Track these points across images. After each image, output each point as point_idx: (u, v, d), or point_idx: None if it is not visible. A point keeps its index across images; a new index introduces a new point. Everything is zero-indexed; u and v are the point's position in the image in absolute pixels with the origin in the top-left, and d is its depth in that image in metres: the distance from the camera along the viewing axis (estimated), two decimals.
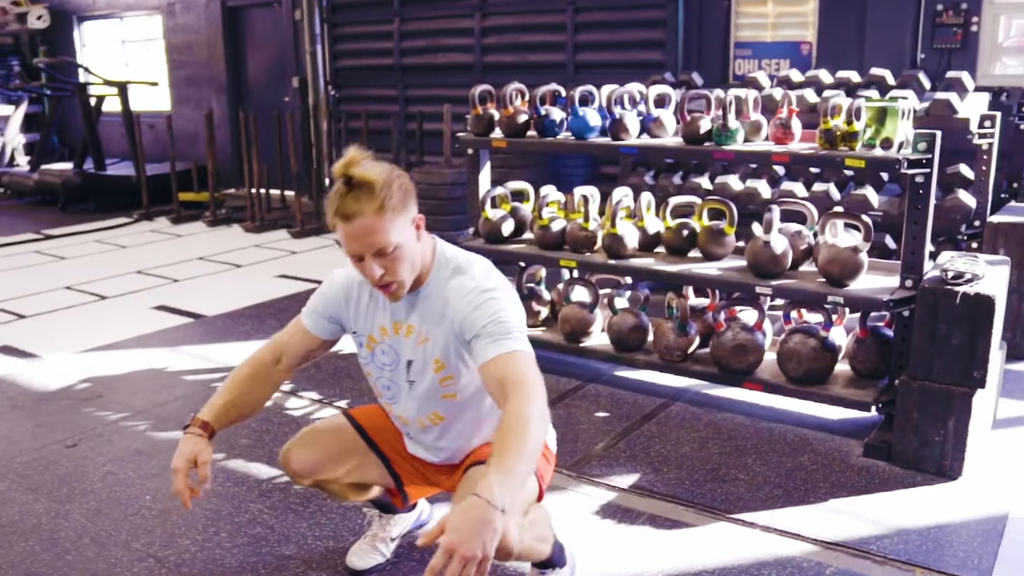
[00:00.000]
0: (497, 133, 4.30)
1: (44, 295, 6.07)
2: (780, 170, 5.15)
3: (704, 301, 4.06)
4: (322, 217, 8.15)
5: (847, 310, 3.78)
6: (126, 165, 10.24)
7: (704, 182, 5.29)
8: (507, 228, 4.38)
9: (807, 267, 3.70)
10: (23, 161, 11.16)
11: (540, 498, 2.30)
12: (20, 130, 11.47)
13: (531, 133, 4.28)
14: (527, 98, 4.26)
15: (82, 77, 10.26)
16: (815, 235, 3.65)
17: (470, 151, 4.49)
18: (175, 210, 8.92)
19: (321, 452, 2.48)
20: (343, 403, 4.01)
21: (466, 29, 8.22)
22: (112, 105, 10.09)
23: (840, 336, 3.74)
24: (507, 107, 4.22)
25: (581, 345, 4.19)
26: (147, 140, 9.93)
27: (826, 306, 3.55)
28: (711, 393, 4.00)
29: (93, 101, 10.11)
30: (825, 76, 5.22)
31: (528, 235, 4.39)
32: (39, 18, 11.79)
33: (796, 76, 5.25)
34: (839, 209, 3.68)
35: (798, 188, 4.94)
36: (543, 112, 4.16)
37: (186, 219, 8.89)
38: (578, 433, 3.66)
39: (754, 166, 5.17)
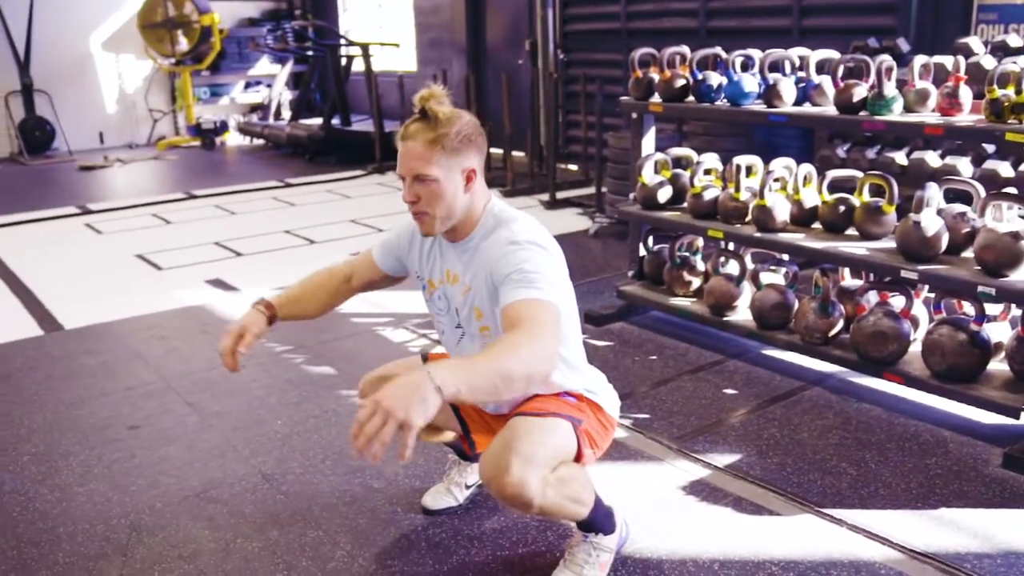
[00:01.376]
0: (656, 98, 4.21)
1: (264, 237, 6.70)
2: (990, 147, 4.64)
3: (859, 283, 3.78)
4: (535, 178, 8.33)
5: (1013, 305, 3.39)
6: (370, 122, 10.95)
7: (900, 157, 4.87)
8: (663, 195, 4.30)
9: (968, 254, 3.34)
10: (287, 116, 12.27)
11: (580, 458, 2.30)
12: (287, 87, 12.61)
13: (690, 99, 4.16)
14: (687, 62, 4.14)
15: (332, 40, 11.06)
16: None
17: (634, 115, 4.43)
18: None
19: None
20: None
21: (690, 10, 7.95)
22: (362, 66, 10.82)
23: (1002, 333, 3.37)
24: (665, 71, 4.12)
25: (725, 319, 4.05)
26: (392, 99, 10.53)
27: (979, 297, 3.19)
28: (855, 381, 3.73)
29: (344, 61, 10.90)
30: None
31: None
32: None
33: (1015, 41, 4.67)
34: (1007, 191, 3.28)
35: (965, 165, 4.44)
36: (700, 77, 4.02)
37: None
38: (696, 407, 3.57)
39: (959, 142, 4.69)
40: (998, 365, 3.33)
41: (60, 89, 11.40)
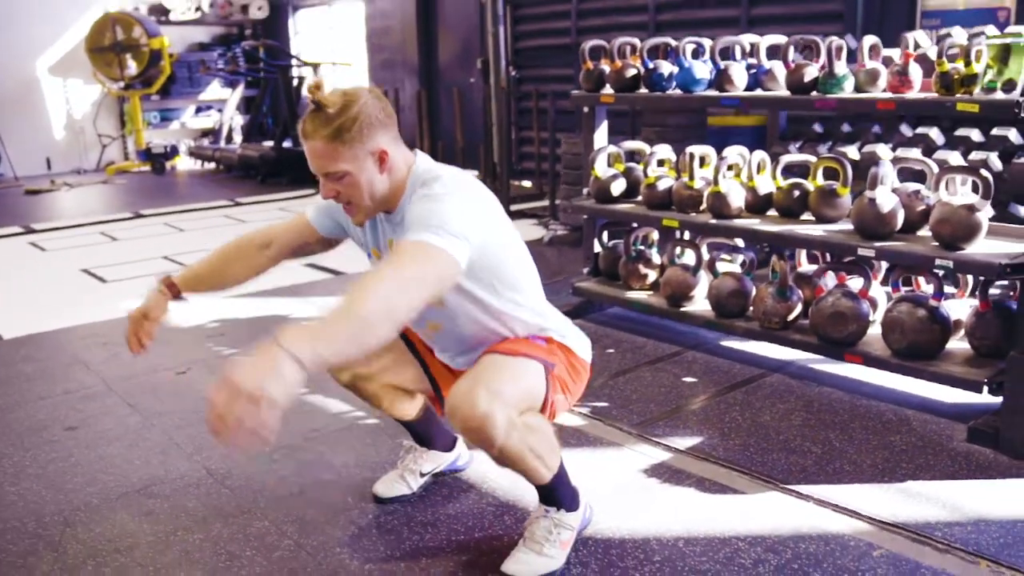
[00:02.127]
0: (608, 89, 4.18)
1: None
2: (939, 139, 4.66)
3: (815, 268, 3.75)
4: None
5: (970, 280, 3.37)
6: None
7: (852, 152, 4.87)
8: (617, 187, 4.26)
9: (924, 232, 3.32)
10: (239, 140, 12.12)
11: (549, 406, 2.23)
12: (238, 111, 12.48)
13: (642, 90, 4.12)
14: (637, 52, 4.11)
15: (284, 60, 10.98)
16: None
17: (585, 109, 4.39)
18: None
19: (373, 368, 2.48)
20: None
21: (640, 6, 7.97)
22: None
23: (961, 310, 3.34)
24: (615, 61, 4.09)
25: (682, 309, 4.00)
26: None
27: (936, 272, 3.17)
28: (815, 368, 3.69)
29: (295, 82, 10.81)
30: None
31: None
32: (259, 8, 12.74)
33: (960, 35, 4.70)
34: (956, 164, 3.27)
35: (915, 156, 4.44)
36: (651, 66, 4.00)
37: None
38: (655, 395, 3.49)
39: (909, 135, 4.72)
40: (958, 344, 3.31)
41: (5, 114, 11.16)
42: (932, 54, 3.52)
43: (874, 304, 3.49)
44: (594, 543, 2.45)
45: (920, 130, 4.69)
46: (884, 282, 3.60)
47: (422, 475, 2.77)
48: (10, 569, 2.39)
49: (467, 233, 1.94)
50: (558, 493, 2.34)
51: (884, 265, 3.60)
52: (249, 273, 2.44)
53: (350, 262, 5.97)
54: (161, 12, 12.10)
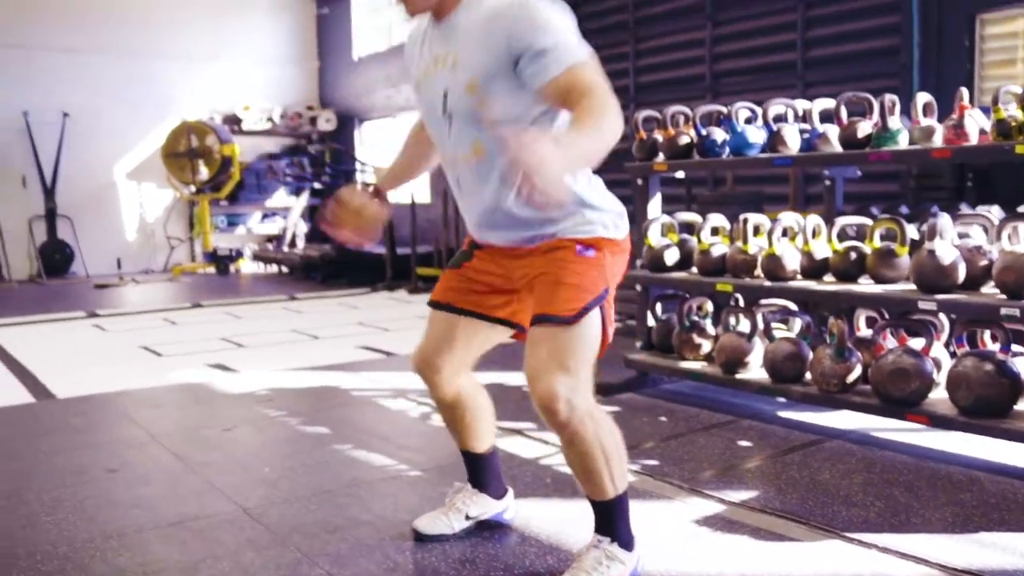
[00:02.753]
0: (660, 158, 4.20)
1: (270, 334, 6.62)
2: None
3: (875, 327, 3.63)
4: None
5: None
6: (381, 246, 11.06)
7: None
8: (670, 257, 4.22)
9: (988, 288, 3.21)
10: (302, 245, 12.43)
11: (604, 340, 2.19)
12: (302, 218, 12.85)
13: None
14: (690, 121, 4.15)
15: (349, 164, 11.34)
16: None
17: (639, 181, 4.41)
18: (413, 282, 9.48)
19: (433, 340, 2.44)
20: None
21: (697, 76, 7.96)
22: None
23: None
24: (668, 129, 4.13)
25: (737, 377, 3.88)
26: (405, 229, 10.61)
27: (1002, 323, 3.04)
28: (875, 435, 3.52)
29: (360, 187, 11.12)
30: None
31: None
32: (327, 121, 13.29)
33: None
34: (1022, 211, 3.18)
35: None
36: (704, 133, 4.02)
37: (423, 291, 9.36)
38: (708, 456, 3.36)
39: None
40: None
41: (82, 215, 11.66)
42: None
43: (938, 364, 3.34)
44: None
45: (981, 208, 4.60)
46: (948, 343, 3.46)
47: (467, 518, 2.65)
48: None
49: (574, 24, 2.04)
50: (616, 521, 2.23)
51: (947, 325, 3.46)
52: (428, 157, 2.56)
53: (402, 345, 5.98)
54: (234, 121, 12.67)
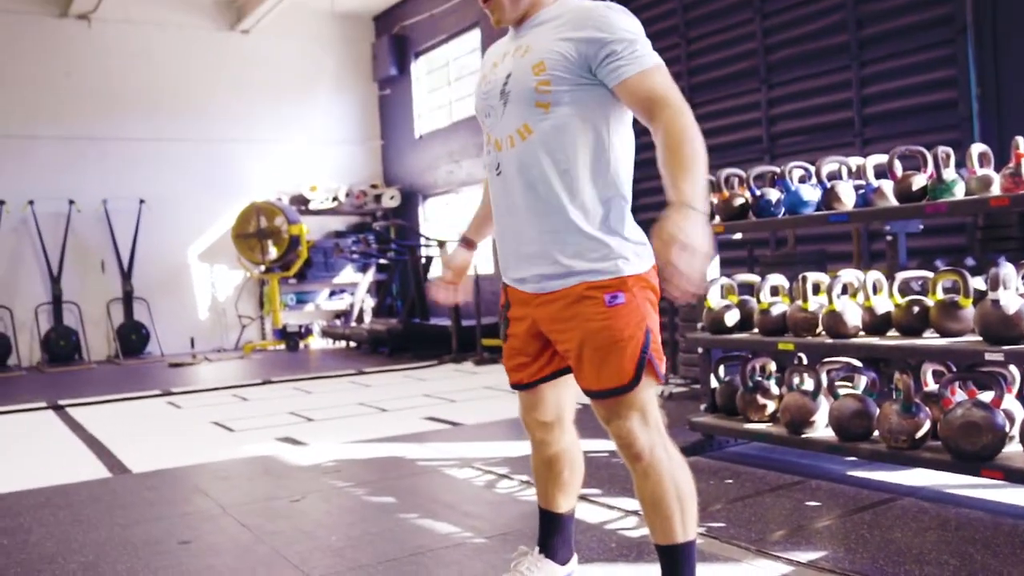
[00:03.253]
0: (716, 220, 4.23)
1: (338, 407, 6.72)
2: None
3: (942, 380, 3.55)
4: None
5: None
6: (447, 318, 11.19)
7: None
8: (731, 318, 4.22)
9: None
10: (369, 320, 12.65)
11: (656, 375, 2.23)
12: (369, 294, 13.10)
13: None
14: (744, 183, 4.17)
15: (414, 240, 11.57)
16: None
17: None
18: (479, 354, 9.54)
19: (529, 401, 2.49)
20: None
21: (754, 138, 7.98)
22: (438, 270, 11.21)
23: None
24: (723, 191, 4.16)
25: (803, 436, 3.82)
26: (471, 296, 10.77)
27: None
28: (949, 491, 3.43)
29: (423, 261, 11.34)
30: None
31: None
32: (391, 198, 13.62)
33: None
34: None
35: None
36: (758, 193, 4.04)
37: (489, 361, 9.43)
38: (774, 517, 3.30)
39: None
40: None
41: (157, 296, 12.07)
42: None
43: (1010, 417, 3.26)
44: None
45: None
46: (1019, 395, 3.37)
47: None
48: None
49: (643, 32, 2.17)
50: (684, 570, 2.22)
51: (1017, 377, 3.38)
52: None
53: (468, 415, 6.02)
54: (301, 202, 13.06)
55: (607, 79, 2.12)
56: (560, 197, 2.18)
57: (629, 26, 2.13)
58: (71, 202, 11.58)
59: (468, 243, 2.71)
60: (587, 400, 2.27)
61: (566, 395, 2.51)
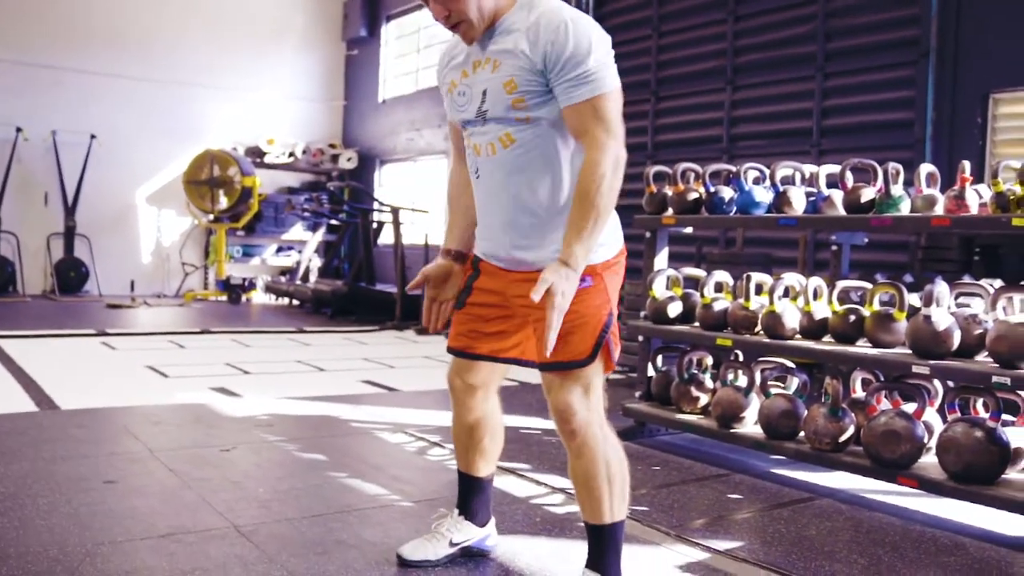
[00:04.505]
0: (670, 212, 4.29)
1: (275, 363, 6.68)
2: None
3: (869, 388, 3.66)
4: None
5: None
6: (392, 285, 11.16)
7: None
8: (673, 310, 4.29)
9: (981, 357, 3.25)
10: (314, 280, 12.54)
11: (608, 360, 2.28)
12: (316, 254, 12.99)
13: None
14: (700, 178, 4.24)
15: (367, 203, 11.50)
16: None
17: (647, 234, 4.49)
18: (421, 323, 9.54)
19: (462, 364, 2.53)
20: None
21: (715, 137, 8.05)
22: (388, 237, 11.16)
23: (1022, 438, 3.21)
24: (678, 185, 4.22)
25: (732, 431, 3.91)
26: (418, 270, 10.74)
27: (993, 391, 3.08)
28: (865, 496, 3.55)
29: (374, 226, 11.28)
30: None
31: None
32: (349, 160, 13.51)
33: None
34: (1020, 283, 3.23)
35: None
36: (713, 190, 4.11)
37: (433, 332, 9.43)
38: (696, 505, 3.38)
39: None
40: (1019, 474, 3.16)
41: (100, 235, 11.85)
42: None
43: (930, 429, 3.37)
44: None
45: (984, 282, 4.66)
46: (940, 408, 3.49)
47: (451, 544, 2.69)
48: None
49: (610, 50, 2.17)
50: (609, 551, 2.29)
51: (940, 391, 3.50)
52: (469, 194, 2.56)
53: (406, 382, 6.03)
54: (257, 154, 12.88)
55: (558, 97, 2.15)
56: (542, 200, 2.26)
57: (587, 44, 2.11)
58: (18, 129, 11.27)
59: (451, 254, 2.52)
60: (517, 377, 2.32)
61: (499, 368, 2.57)
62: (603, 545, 2.28)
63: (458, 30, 2.24)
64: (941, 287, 3.24)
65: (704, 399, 4.20)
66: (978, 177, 5.67)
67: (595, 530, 2.30)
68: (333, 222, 12.81)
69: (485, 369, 2.53)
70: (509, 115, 2.21)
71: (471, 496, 2.70)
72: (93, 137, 11.70)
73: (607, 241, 2.29)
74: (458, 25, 2.22)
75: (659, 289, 4.34)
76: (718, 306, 4.09)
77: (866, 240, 4.43)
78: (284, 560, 2.64)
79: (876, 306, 3.56)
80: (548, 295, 2.04)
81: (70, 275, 11.47)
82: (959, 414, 3.23)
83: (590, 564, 2.31)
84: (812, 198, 3.88)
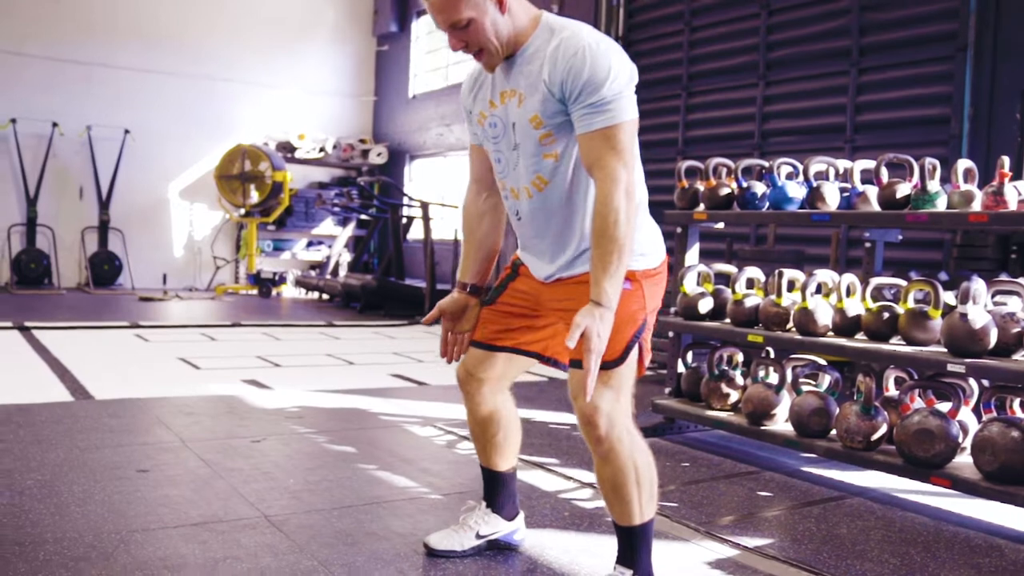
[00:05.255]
0: (701, 207, 4.26)
1: (305, 356, 6.73)
2: None
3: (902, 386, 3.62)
4: None
5: None
6: (422, 280, 11.19)
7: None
8: (704, 306, 4.26)
9: (1020, 356, 3.20)
10: (344, 274, 12.60)
11: (641, 368, 2.27)
12: (346, 248, 13.05)
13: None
14: (732, 173, 4.20)
15: (396, 199, 11.54)
16: None
17: (679, 229, 4.47)
18: None
19: (475, 358, 2.54)
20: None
21: (746, 132, 7.99)
22: (418, 232, 11.19)
23: None
24: (710, 179, 4.19)
25: (762, 428, 3.88)
26: (447, 266, 10.75)
27: None
28: (898, 495, 3.51)
29: (404, 221, 11.31)
30: None
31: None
32: (379, 155, 13.56)
33: None
34: None
35: None
36: (745, 185, 4.08)
37: None
38: (726, 502, 3.37)
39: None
40: None
41: (133, 229, 11.99)
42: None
43: (964, 429, 3.33)
44: None
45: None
46: (976, 408, 3.44)
47: (478, 536, 2.70)
48: (60, 569, 2.41)
49: (632, 77, 2.13)
50: (639, 551, 2.27)
51: (976, 390, 3.45)
52: (497, 218, 2.56)
53: (435, 376, 6.05)
54: (288, 149, 12.96)
55: (575, 124, 2.14)
56: (583, 231, 2.27)
57: (606, 70, 2.08)
58: (54, 125, 11.43)
59: (467, 288, 2.53)
60: (545, 373, 2.31)
61: (513, 367, 2.57)
62: (634, 543, 2.28)
63: (478, 59, 2.25)
64: (978, 284, 3.19)
65: (734, 396, 4.18)
66: (1016, 174, 5.58)
67: (625, 531, 2.29)
68: (363, 217, 12.87)
69: (500, 364, 2.53)
70: (539, 151, 2.23)
71: (495, 490, 2.70)
72: (127, 132, 11.84)
73: (649, 251, 2.30)
74: (477, 56, 2.23)
75: (690, 285, 4.31)
76: (749, 302, 4.06)
77: (900, 237, 4.36)
78: (314, 550, 2.66)
79: (910, 303, 3.51)
80: (584, 339, 2.02)
81: (104, 268, 11.62)
82: (995, 414, 3.18)
83: (621, 560, 2.31)
84: (846, 194, 3.84)
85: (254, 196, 12.08)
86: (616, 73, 2.09)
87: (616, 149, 2.08)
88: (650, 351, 2.29)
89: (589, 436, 2.21)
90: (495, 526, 2.73)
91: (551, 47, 2.16)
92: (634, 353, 2.22)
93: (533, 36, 2.21)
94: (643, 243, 2.27)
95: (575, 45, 2.11)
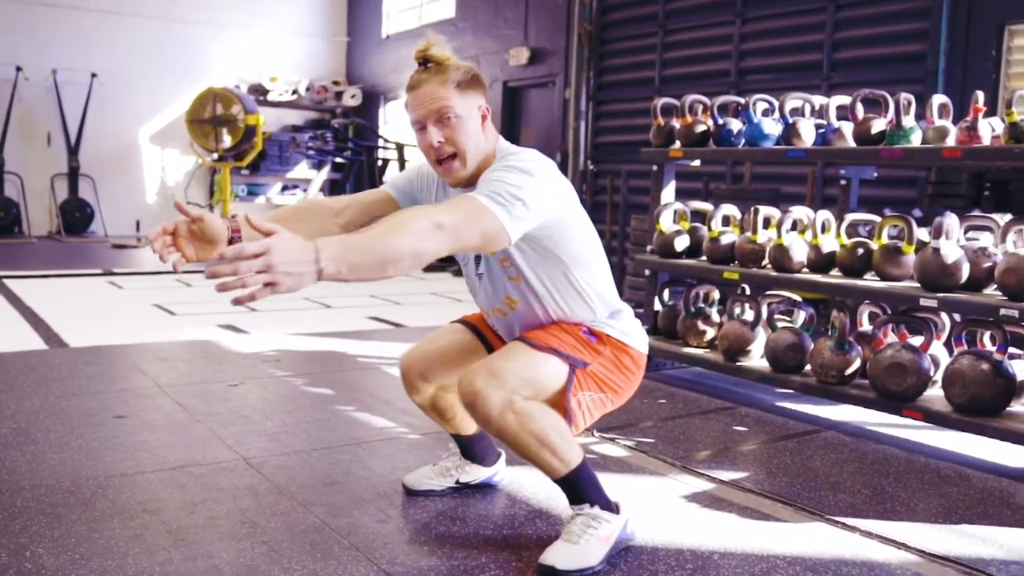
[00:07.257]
0: (677, 145, 4.24)
1: (282, 300, 6.67)
2: None
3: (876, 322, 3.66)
4: None
5: None
6: None
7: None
8: (680, 243, 4.26)
9: (990, 290, 3.23)
10: None
11: (565, 403, 2.19)
12: (322, 192, 12.92)
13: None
14: (708, 110, 4.18)
15: (371, 141, 11.41)
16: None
17: (654, 167, 4.45)
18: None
19: (437, 354, 2.51)
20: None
21: (722, 71, 7.97)
22: (394, 174, 11.09)
23: None
24: (686, 116, 4.17)
25: (738, 364, 3.92)
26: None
27: (1001, 323, 3.07)
28: (870, 428, 3.57)
29: (379, 163, 11.20)
30: None
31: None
32: (352, 97, 13.35)
33: None
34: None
35: None
36: (720, 122, 4.05)
37: (437, 268, 9.41)
38: (702, 437, 3.41)
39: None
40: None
41: (104, 175, 11.79)
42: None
43: (936, 362, 3.37)
44: (625, 549, 2.36)
45: (995, 216, 4.62)
46: (947, 342, 3.49)
47: (457, 483, 2.72)
48: (39, 516, 2.41)
49: (532, 206, 1.98)
50: (583, 489, 2.26)
51: (947, 325, 3.50)
52: (312, 235, 2.40)
53: (412, 318, 6.05)
54: (260, 92, 12.74)
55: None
56: (551, 319, 2.30)
57: (518, 169, 2.00)
58: (18, 69, 11.14)
59: (234, 223, 2.17)
60: None
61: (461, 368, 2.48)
62: (574, 486, 2.26)
63: (445, 166, 2.17)
64: (951, 219, 3.21)
65: (710, 333, 4.21)
66: (991, 109, 5.58)
67: (559, 482, 2.27)
68: (338, 160, 12.71)
69: (450, 372, 2.47)
70: (501, 276, 2.25)
71: (471, 448, 2.71)
72: (94, 76, 11.57)
73: (632, 333, 2.33)
74: (449, 159, 2.16)
75: (666, 223, 4.31)
76: (725, 240, 4.06)
77: (875, 175, 4.38)
78: (294, 491, 2.67)
79: (884, 239, 3.53)
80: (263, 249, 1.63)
81: (75, 215, 11.45)
82: (966, 347, 3.22)
83: (573, 501, 2.28)
84: (822, 130, 3.83)
85: (227, 140, 11.87)
86: (525, 176, 1.99)
87: (464, 219, 1.87)
88: (587, 419, 2.27)
89: (475, 419, 2.20)
90: (474, 474, 2.74)
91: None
92: (552, 371, 2.17)
93: (492, 165, 2.15)
94: (629, 331, 2.33)
95: (502, 164, 2.07)
